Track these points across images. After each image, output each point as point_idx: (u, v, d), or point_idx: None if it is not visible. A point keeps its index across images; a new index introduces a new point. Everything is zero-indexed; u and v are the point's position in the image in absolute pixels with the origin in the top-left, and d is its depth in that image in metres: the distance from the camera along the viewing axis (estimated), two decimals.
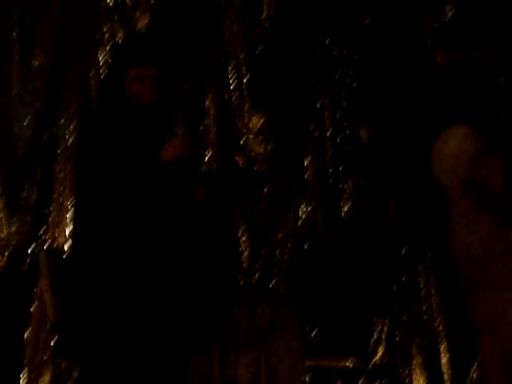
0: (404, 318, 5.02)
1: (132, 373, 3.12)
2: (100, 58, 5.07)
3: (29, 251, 4.98)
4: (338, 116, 5.14)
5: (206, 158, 5.00)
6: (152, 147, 3.16)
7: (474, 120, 3.61)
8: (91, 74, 5.06)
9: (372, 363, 5.00)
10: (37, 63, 5.05)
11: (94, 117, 3.29)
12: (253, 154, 5.17)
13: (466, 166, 3.51)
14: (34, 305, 4.88)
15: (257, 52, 5.17)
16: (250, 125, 5.16)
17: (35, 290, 4.90)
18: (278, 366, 4.18)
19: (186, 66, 5.06)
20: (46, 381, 4.84)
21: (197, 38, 5.14)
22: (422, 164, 5.09)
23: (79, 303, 4.29)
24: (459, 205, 3.56)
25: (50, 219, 5.01)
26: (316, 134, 5.16)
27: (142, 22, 5.13)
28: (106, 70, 3.32)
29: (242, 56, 5.14)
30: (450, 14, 5.14)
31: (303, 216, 5.12)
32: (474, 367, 4.90)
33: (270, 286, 5.07)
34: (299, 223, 5.11)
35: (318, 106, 5.15)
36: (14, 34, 5.03)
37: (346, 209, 5.12)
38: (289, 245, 5.10)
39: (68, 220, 4.99)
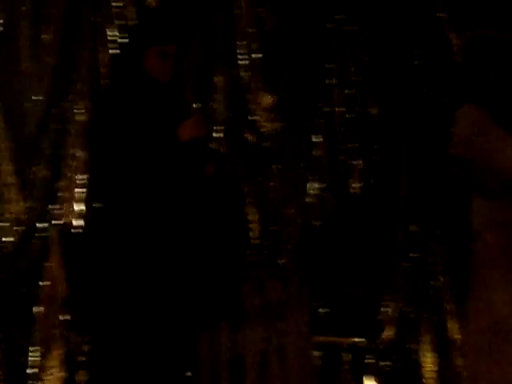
0: (413, 295, 5.02)
1: (142, 348, 3.14)
2: (110, 34, 5.04)
3: (39, 227, 4.99)
4: (347, 93, 5.12)
5: (217, 135, 4.99)
6: (170, 124, 3.16)
7: (490, 98, 3.61)
8: (101, 50, 5.04)
9: (380, 340, 5.01)
10: (46, 39, 5.03)
11: (109, 94, 3.27)
12: (263, 130, 5.15)
13: (456, 144, 3.57)
14: (45, 280, 4.90)
15: (267, 28, 5.14)
16: (260, 102, 5.14)
17: (46, 265, 4.91)
18: (288, 343, 4.20)
19: (195, 43, 5.03)
20: (56, 356, 4.87)
21: (207, 14, 5.11)
22: (432, 141, 5.08)
23: (89, 278, 4.31)
24: None
25: (60, 195, 5.01)
26: (326, 111, 5.13)
27: None
28: (122, 47, 3.28)
29: (252, 32, 5.11)
30: None
31: (313, 193, 5.12)
32: None
33: (280, 263, 5.08)
34: (309, 200, 5.11)
35: (328, 83, 5.12)
36: (24, 9, 5.01)
37: (355, 186, 5.11)
38: (298, 221, 5.10)
39: (78, 196, 5.00)
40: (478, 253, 3.64)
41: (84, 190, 4.97)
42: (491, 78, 3.62)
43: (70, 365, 4.64)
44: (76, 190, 4.98)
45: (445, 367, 4.94)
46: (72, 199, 4.98)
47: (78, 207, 4.98)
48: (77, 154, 5.00)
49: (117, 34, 5.02)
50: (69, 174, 5.01)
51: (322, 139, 5.11)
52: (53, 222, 4.96)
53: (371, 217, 5.05)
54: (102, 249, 3.40)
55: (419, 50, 5.09)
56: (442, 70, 5.06)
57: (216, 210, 3.25)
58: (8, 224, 4.91)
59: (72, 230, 4.81)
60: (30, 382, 4.78)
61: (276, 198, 5.12)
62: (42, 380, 4.78)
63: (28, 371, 4.80)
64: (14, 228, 4.94)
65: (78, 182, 4.99)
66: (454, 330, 4.95)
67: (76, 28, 5.05)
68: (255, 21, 5.10)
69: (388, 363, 5.02)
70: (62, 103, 5.04)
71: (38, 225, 4.98)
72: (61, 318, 4.85)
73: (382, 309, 5.03)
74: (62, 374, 4.73)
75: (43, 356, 4.86)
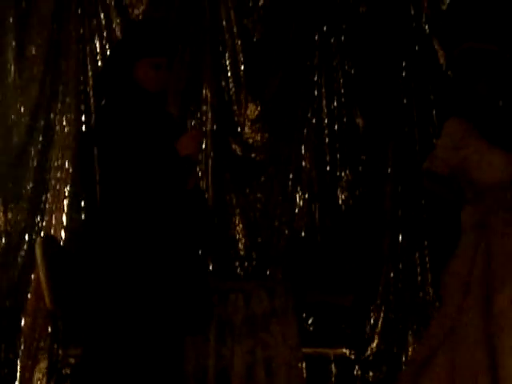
0: (400, 305, 5.03)
1: (128, 359, 3.13)
2: (97, 45, 5.05)
3: (25, 238, 4.98)
4: (335, 104, 5.13)
5: (203, 146, 4.99)
6: (165, 137, 3.16)
7: (478, 111, 3.67)
8: (88, 61, 5.05)
9: (368, 351, 5.01)
10: (33, 50, 5.03)
11: (101, 106, 3.25)
12: (250, 142, 5.16)
13: (436, 157, 3.68)
14: (31, 292, 4.89)
15: (254, 39, 5.15)
16: (248, 113, 5.15)
17: (32, 277, 4.90)
18: (275, 355, 4.19)
19: (182, 54, 5.04)
20: (42, 368, 4.85)
21: (194, 25, 5.12)
22: (418, 152, 5.09)
23: (75, 290, 4.29)
24: None
25: (46, 207, 5.01)
26: (313, 123, 5.15)
27: (139, 9, 5.11)
28: (112, 58, 3.26)
29: (239, 43, 5.12)
30: (447, 1, 5.12)
31: (300, 204, 5.13)
32: None
33: (267, 273, 5.08)
34: (296, 211, 5.12)
35: (316, 94, 5.14)
36: (10, 20, 5.01)
37: (342, 197, 5.12)
38: (286, 232, 5.10)
39: (64, 208, 4.99)
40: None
41: (70, 201, 4.97)
42: (480, 90, 3.66)
43: (55, 377, 4.63)
44: (62, 201, 4.98)
45: None
46: (58, 211, 4.98)
47: (64, 219, 4.98)
48: (63, 166, 5.00)
49: (104, 46, 5.04)
50: (55, 186, 5.01)
51: (309, 150, 5.12)
52: (39, 233, 4.95)
53: (358, 227, 5.06)
54: (87, 260, 3.39)
55: (406, 62, 5.11)
56: (429, 82, 5.08)
57: (195, 222, 3.25)
58: None
59: (58, 242, 4.80)
60: None
61: (263, 209, 5.13)
62: None
63: None
64: (0, 239, 4.94)
65: (64, 193, 4.99)
66: None
67: (63, 40, 5.05)
68: (242, 33, 5.11)
69: (376, 374, 5.02)
70: (49, 115, 5.05)
71: (23, 236, 4.98)
72: (47, 329, 4.84)
73: (370, 320, 5.03)
74: None
75: (30, 368, 4.85)
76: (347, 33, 5.12)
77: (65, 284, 4.37)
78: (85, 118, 5.05)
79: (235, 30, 5.13)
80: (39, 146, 5.02)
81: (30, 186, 5.00)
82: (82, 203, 4.99)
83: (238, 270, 5.07)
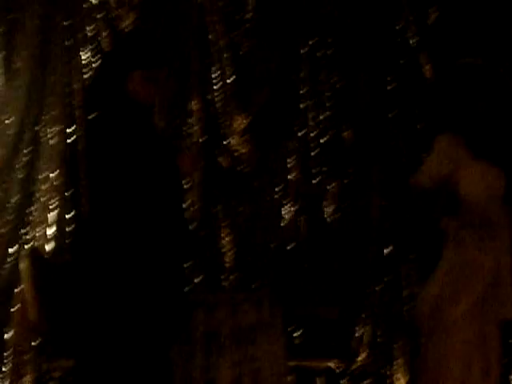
0: (386, 318, 5.03)
1: (115, 370, 3.12)
2: (83, 58, 5.05)
3: (10, 251, 4.96)
4: (321, 117, 5.15)
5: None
6: (161, 150, 3.17)
7: (471, 126, 3.70)
8: (74, 74, 5.05)
9: (355, 364, 5.00)
10: (19, 62, 5.02)
11: (93, 118, 3.23)
12: (236, 154, 5.16)
13: (424, 172, 3.73)
14: (16, 306, 4.85)
15: (241, 53, 5.17)
16: (235, 125, 5.16)
17: (17, 290, 4.87)
18: (261, 368, 4.18)
19: (170, 66, 5.04)
20: (27, 381, 4.82)
21: (181, 38, 5.13)
22: (405, 165, 5.11)
23: (61, 304, 4.27)
24: None
25: (32, 219, 4.98)
26: (300, 135, 5.16)
27: (126, 22, 5.11)
28: (102, 70, 3.25)
29: (226, 56, 5.13)
30: (433, 17, 5.15)
31: (287, 216, 5.13)
32: None
33: (254, 286, 5.07)
34: (283, 223, 5.12)
35: (302, 106, 5.15)
36: None
37: (329, 210, 5.12)
38: (272, 245, 5.10)
39: (50, 221, 4.97)
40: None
41: (56, 214, 4.96)
42: (474, 105, 3.69)
43: None
44: (48, 214, 4.96)
45: None
46: (44, 223, 4.96)
47: (50, 231, 4.95)
48: (49, 178, 4.99)
49: (90, 58, 5.04)
50: (41, 198, 4.98)
51: (296, 163, 5.13)
52: (24, 246, 4.93)
53: (344, 240, 5.06)
54: (73, 273, 3.37)
55: (392, 75, 5.13)
56: (415, 95, 5.11)
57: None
58: None
59: (44, 255, 4.77)
60: None
61: (250, 221, 5.13)
62: None
63: None
64: None
65: (50, 206, 4.97)
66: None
67: (49, 53, 5.05)
68: (229, 45, 5.12)
69: None
70: (35, 127, 5.03)
71: (9, 249, 4.95)
72: (32, 343, 4.81)
73: (356, 333, 5.03)
74: None
75: (14, 381, 4.81)
76: (334, 46, 5.14)
77: (50, 297, 4.34)
78: (71, 130, 5.04)
79: (222, 42, 5.14)
80: (25, 158, 5.01)
81: (15, 198, 4.98)
82: (67, 216, 4.97)
83: (225, 282, 5.06)
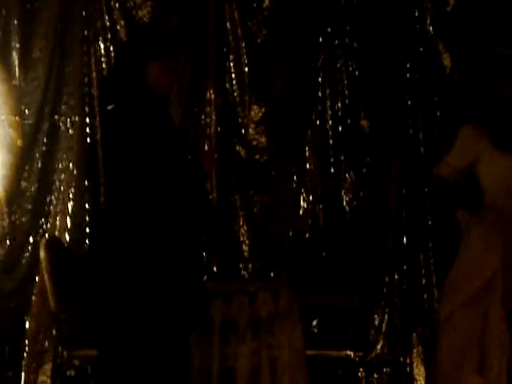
0: (405, 307, 5.02)
1: (134, 359, 3.14)
2: (101, 47, 5.06)
3: (30, 240, 4.99)
4: (339, 106, 5.13)
5: (207, 148, 5.00)
6: (182, 142, 3.18)
7: (499, 117, 3.67)
8: (92, 63, 5.06)
9: (373, 353, 5.00)
10: (37, 52, 5.03)
11: (111, 109, 3.23)
12: (254, 143, 5.16)
13: (444, 163, 3.69)
14: (35, 294, 4.89)
15: (258, 41, 5.15)
16: (252, 115, 5.15)
17: (36, 279, 4.90)
18: (279, 357, 4.18)
19: (187, 56, 5.04)
20: (47, 370, 4.86)
21: (198, 27, 5.12)
22: (422, 154, 5.09)
23: (79, 292, 4.30)
24: None
25: (50, 209, 5.01)
26: (317, 124, 5.15)
27: (143, 11, 5.12)
28: (120, 60, 3.25)
29: (243, 45, 5.12)
30: (452, 3, 5.12)
31: (304, 205, 5.12)
32: None
33: (271, 275, 5.07)
34: (300, 213, 5.11)
35: (320, 95, 5.14)
36: (15, 23, 5.02)
37: (347, 198, 5.11)
38: (290, 234, 5.10)
39: (69, 210, 4.99)
40: None
41: (74, 203, 4.98)
42: (504, 95, 3.66)
43: (60, 379, 4.63)
44: (66, 203, 4.98)
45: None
46: (62, 213, 4.98)
47: (68, 221, 4.98)
48: (68, 168, 5.01)
49: (108, 48, 5.04)
50: (59, 188, 5.01)
51: (313, 152, 5.12)
52: (43, 235, 4.95)
53: (363, 229, 5.05)
54: (92, 262, 3.39)
55: (410, 64, 5.10)
56: (433, 84, 5.08)
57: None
58: None
59: (62, 244, 4.80)
60: None
61: (267, 211, 5.13)
62: None
63: None
64: (5, 241, 4.94)
65: (68, 195, 4.99)
66: None
67: (67, 42, 5.06)
68: (246, 34, 5.11)
69: (380, 376, 5.02)
70: (53, 117, 5.05)
71: (28, 238, 4.98)
72: (51, 331, 4.84)
73: (375, 321, 5.02)
74: None
75: (34, 370, 4.85)
76: (351, 34, 5.12)
77: (69, 286, 4.37)
78: (89, 119, 5.06)
79: (239, 31, 5.13)
80: (44, 148, 5.03)
81: (34, 187, 5.01)
82: (87, 205, 5.00)
83: (243, 272, 5.07)
